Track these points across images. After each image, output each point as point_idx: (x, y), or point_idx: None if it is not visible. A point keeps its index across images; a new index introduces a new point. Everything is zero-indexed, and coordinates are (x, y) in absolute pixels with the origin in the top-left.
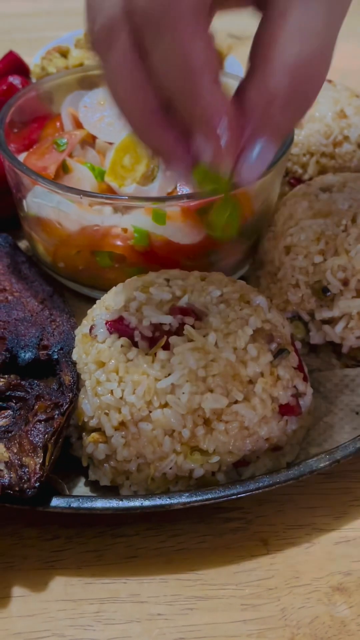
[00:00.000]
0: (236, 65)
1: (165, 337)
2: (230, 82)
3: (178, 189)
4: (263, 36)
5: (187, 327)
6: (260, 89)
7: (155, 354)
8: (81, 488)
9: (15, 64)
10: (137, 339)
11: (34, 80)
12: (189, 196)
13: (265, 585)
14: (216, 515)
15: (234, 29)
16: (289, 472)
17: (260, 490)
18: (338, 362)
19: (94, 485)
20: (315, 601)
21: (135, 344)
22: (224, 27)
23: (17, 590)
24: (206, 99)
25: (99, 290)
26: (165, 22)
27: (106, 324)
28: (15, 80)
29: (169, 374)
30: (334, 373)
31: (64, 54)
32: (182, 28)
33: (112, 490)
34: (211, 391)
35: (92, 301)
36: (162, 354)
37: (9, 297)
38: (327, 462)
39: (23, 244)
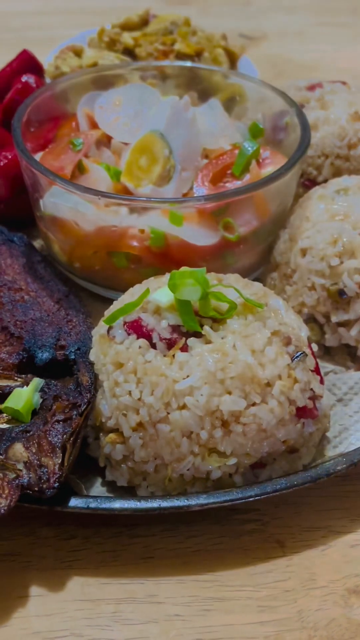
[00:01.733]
0: (249, 66)
1: (183, 338)
2: (244, 83)
3: (194, 190)
4: None
5: (205, 329)
6: None
7: (173, 355)
8: (98, 488)
9: (29, 63)
10: (155, 340)
11: (47, 79)
12: (206, 198)
13: (281, 587)
14: (233, 517)
15: (245, 29)
16: (305, 474)
17: (277, 493)
18: (353, 364)
19: (111, 486)
20: (331, 603)
21: (154, 346)
22: (235, 27)
23: (34, 590)
24: None
25: (114, 291)
26: None
27: (124, 325)
28: (29, 79)
29: (188, 376)
30: (349, 376)
31: (78, 53)
32: None
33: (129, 491)
34: (229, 393)
35: (107, 301)
36: (180, 356)
37: (25, 297)
38: (344, 465)
39: (38, 243)
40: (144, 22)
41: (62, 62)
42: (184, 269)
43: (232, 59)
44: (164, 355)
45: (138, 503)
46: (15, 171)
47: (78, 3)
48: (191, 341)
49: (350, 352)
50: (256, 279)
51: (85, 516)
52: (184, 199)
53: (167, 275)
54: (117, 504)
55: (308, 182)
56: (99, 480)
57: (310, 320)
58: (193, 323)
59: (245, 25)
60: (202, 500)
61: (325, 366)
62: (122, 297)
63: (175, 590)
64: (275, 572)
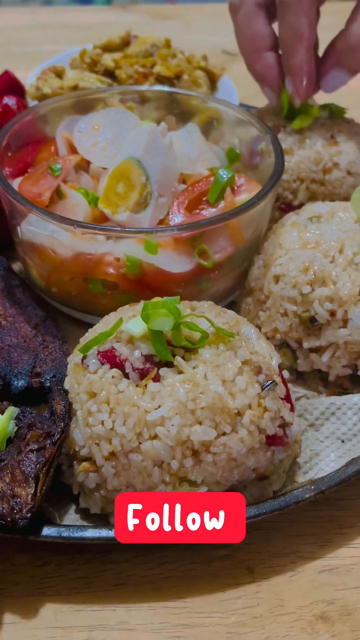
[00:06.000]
0: (229, 87)
1: (155, 368)
2: (221, 108)
3: (170, 217)
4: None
5: (177, 359)
6: (343, 41)
7: (145, 385)
8: (72, 515)
9: (10, 84)
10: (128, 370)
11: (29, 100)
12: (179, 228)
13: (250, 614)
14: (203, 543)
15: (228, 46)
16: (274, 502)
17: (246, 521)
18: (325, 389)
19: (84, 513)
20: (298, 630)
21: (127, 375)
22: (218, 44)
23: (7, 617)
24: (299, 57)
25: (91, 315)
26: (293, 6)
27: (98, 354)
28: (10, 101)
29: (159, 406)
30: (321, 401)
31: (59, 74)
32: (301, 12)
33: (102, 518)
34: (200, 423)
35: (84, 325)
36: (152, 386)
37: (3, 322)
38: (312, 493)
39: (17, 266)
40: (125, 43)
41: (43, 83)
42: (156, 299)
43: (213, 79)
44: (137, 385)
45: (109, 532)
46: None
47: (61, 18)
48: (163, 371)
49: (322, 377)
50: (232, 303)
51: (59, 543)
52: (158, 229)
53: (141, 304)
54: (89, 533)
55: (284, 206)
56: (73, 507)
57: (283, 345)
58: (166, 353)
59: (229, 41)
60: None
61: (298, 391)
62: (96, 326)
63: (146, 617)
64: (245, 598)
